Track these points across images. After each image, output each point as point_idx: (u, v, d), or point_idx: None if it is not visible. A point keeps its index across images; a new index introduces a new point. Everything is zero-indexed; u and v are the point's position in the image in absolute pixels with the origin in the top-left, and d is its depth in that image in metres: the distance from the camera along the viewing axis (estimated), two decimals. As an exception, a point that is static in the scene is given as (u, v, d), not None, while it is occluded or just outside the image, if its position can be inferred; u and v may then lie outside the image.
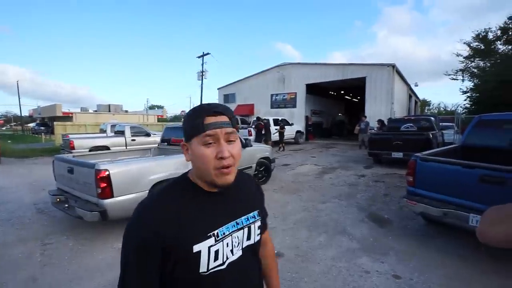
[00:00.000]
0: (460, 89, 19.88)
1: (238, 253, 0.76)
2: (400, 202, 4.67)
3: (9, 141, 19.15)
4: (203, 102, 0.76)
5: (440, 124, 9.76)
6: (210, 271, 0.69)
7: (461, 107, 18.60)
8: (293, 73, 19.71)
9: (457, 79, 19.73)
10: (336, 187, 5.95)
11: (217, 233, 0.71)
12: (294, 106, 19.77)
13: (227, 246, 0.73)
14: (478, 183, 2.64)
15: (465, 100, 20.12)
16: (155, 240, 0.64)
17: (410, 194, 3.31)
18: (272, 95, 21.03)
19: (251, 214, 0.82)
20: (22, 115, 40.83)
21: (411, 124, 8.52)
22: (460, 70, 19.17)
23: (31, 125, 40.19)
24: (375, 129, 11.82)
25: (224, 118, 0.70)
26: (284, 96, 20.37)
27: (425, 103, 48.27)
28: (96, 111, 35.46)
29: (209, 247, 0.69)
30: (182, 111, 43.23)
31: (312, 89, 19.87)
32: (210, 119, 0.68)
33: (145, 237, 0.64)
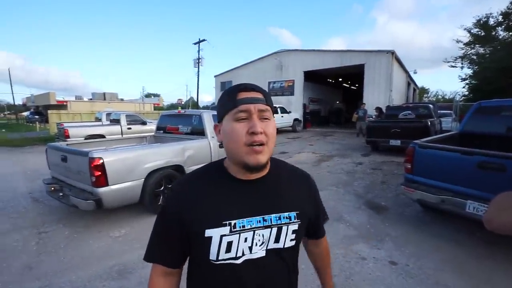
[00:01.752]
0: (459, 76, 19.87)
1: (260, 253, 0.69)
2: (397, 189, 4.69)
3: (3, 130, 18.89)
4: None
5: (438, 111, 9.72)
6: (220, 261, 0.67)
7: (459, 94, 18.57)
8: (291, 60, 19.40)
9: (456, 67, 19.61)
10: (333, 174, 5.96)
11: (235, 223, 0.67)
12: (292, 93, 19.59)
13: (245, 241, 0.67)
14: (477, 170, 2.62)
15: (463, 87, 20.15)
16: (176, 218, 0.69)
17: (408, 181, 3.30)
18: (269, 83, 20.77)
19: (286, 214, 0.72)
20: (16, 103, 40.15)
21: (410, 112, 8.48)
22: (460, 57, 19.00)
23: (25, 113, 39.59)
24: (373, 116, 11.78)
25: (258, 95, 0.67)
26: (281, 83, 20.13)
27: (424, 90, 48.08)
28: (91, 99, 34.92)
29: (221, 236, 0.66)
30: (179, 99, 42.75)
31: (310, 77, 19.63)
32: (243, 94, 0.66)
33: (168, 212, 0.72)
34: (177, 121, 5.18)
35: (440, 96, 46.71)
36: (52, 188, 3.74)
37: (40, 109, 34.84)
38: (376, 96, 15.57)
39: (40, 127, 21.91)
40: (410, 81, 23.53)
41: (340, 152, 8.76)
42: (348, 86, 28.44)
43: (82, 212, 3.59)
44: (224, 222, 0.66)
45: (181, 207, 0.69)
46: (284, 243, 0.72)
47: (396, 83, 16.48)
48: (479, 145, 3.38)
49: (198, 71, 23.33)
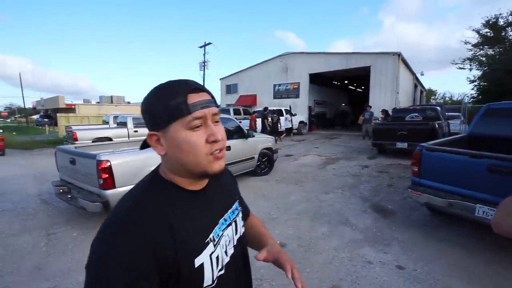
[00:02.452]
0: (468, 78, 19.49)
1: (230, 251, 0.68)
2: (404, 192, 4.63)
3: (13, 133, 19.30)
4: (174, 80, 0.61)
5: (446, 114, 9.59)
6: (215, 281, 0.61)
7: (467, 96, 18.28)
8: (296, 63, 19.41)
9: (465, 68, 19.32)
10: (339, 177, 5.91)
11: (212, 236, 0.62)
12: (297, 96, 19.57)
13: (222, 248, 0.65)
14: (486, 173, 2.57)
15: (472, 89, 19.78)
16: (151, 266, 0.50)
17: (415, 185, 3.26)
18: (274, 85, 20.81)
19: (234, 207, 0.74)
20: (26, 107, 41.05)
21: (417, 114, 8.38)
22: (468, 58, 18.73)
23: (35, 117, 40.40)
24: (379, 119, 11.68)
25: (208, 96, 0.59)
26: (287, 86, 20.14)
27: (431, 92, 47.47)
28: (98, 102, 35.45)
29: (210, 256, 0.60)
30: (185, 102, 42.93)
31: (316, 79, 19.60)
32: (194, 98, 0.56)
33: (138, 263, 0.49)
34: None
35: (447, 98, 46.08)
36: (61, 190, 3.80)
37: (49, 112, 35.51)
38: (383, 98, 15.45)
39: (49, 130, 22.32)
40: (417, 83, 23.29)
41: (345, 155, 8.70)
42: (353, 88, 28.29)
43: (89, 213, 3.63)
44: (206, 241, 0.60)
45: (154, 247, 0.51)
46: (241, 231, 0.75)
47: (402, 85, 16.34)
48: (489, 148, 3.32)
49: (204, 75, 23.50)
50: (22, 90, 36.27)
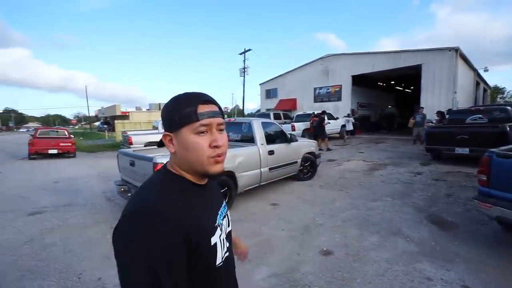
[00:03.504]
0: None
1: (228, 239, 0.80)
2: (467, 204, 4.15)
3: (81, 138, 22.13)
4: (193, 91, 0.72)
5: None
6: (223, 261, 0.71)
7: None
8: (338, 65, 18.80)
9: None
10: (388, 184, 5.54)
11: (218, 222, 0.73)
12: (339, 99, 18.90)
13: (224, 234, 0.76)
14: None
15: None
16: (183, 237, 0.59)
17: (483, 195, 2.90)
18: (315, 89, 20.40)
19: (224, 203, 0.85)
20: (90, 115, 46.75)
21: (480, 116, 7.43)
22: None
23: (97, 123, 45.77)
24: (434, 121, 10.65)
25: (215, 108, 0.69)
26: (328, 89, 19.59)
27: (498, 90, 41.56)
28: (148, 109, 38.72)
29: (219, 237, 0.71)
30: (225, 107, 44.58)
31: (359, 81, 18.71)
32: (203, 108, 0.66)
33: (172, 238, 0.57)
34: (228, 129, 5.43)
35: (520, 96, 39.85)
36: (122, 189, 4.24)
37: (108, 119, 39.86)
38: (436, 99, 14.08)
39: (108, 135, 25.05)
40: (479, 80, 20.72)
41: (394, 161, 8.10)
42: (401, 89, 26.29)
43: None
44: (216, 225, 0.71)
45: (182, 221, 0.60)
46: (231, 225, 0.86)
47: (461, 83, 14.69)
48: None
49: (244, 80, 24.13)
50: (87, 100, 41.53)
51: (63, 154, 11.35)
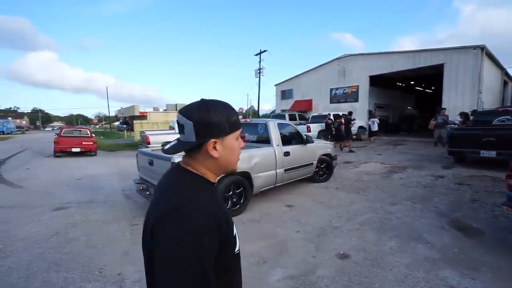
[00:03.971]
0: None
1: None
2: (494, 210, 3.93)
3: (101, 137, 23.00)
4: (225, 101, 0.81)
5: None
6: (239, 250, 0.80)
7: None
8: (355, 65, 18.41)
9: None
10: (407, 188, 5.36)
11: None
12: (356, 100, 18.49)
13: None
14: None
15: None
16: (219, 232, 0.67)
17: (512, 201, 2.74)
18: (331, 90, 20.08)
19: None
20: (110, 115, 48.54)
21: (508, 117, 7.03)
22: None
23: (116, 123, 47.43)
24: (457, 123, 10.18)
25: None
26: (344, 90, 19.23)
27: (527, 90, 39.05)
28: (165, 110, 39.65)
29: (235, 227, 0.80)
30: (240, 108, 44.87)
31: (376, 81, 18.22)
32: (239, 117, 0.79)
33: (214, 225, 0.66)
34: (244, 130, 5.46)
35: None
36: (141, 188, 4.37)
37: (127, 119, 41.19)
38: (460, 100, 13.46)
39: (127, 134, 25.87)
40: (507, 80, 19.60)
41: (414, 163, 7.82)
42: (421, 89, 25.35)
43: (163, 209, 4.07)
44: (232, 218, 0.80)
45: (218, 219, 0.68)
46: None
47: (487, 83, 13.96)
48: None
49: (259, 81, 24.21)
50: (108, 100, 43.16)
51: (85, 153, 11.85)
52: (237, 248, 0.78)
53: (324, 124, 12.85)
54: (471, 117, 9.16)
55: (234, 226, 0.79)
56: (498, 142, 6.21)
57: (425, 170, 6.92)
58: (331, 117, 12.67)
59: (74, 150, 11.44)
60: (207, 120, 0.70)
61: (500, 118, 7.19)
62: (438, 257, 2.77)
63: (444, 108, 11.30)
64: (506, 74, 18.86)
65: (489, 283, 2.32)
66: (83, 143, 11.75)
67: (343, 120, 11.43)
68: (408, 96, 23.99)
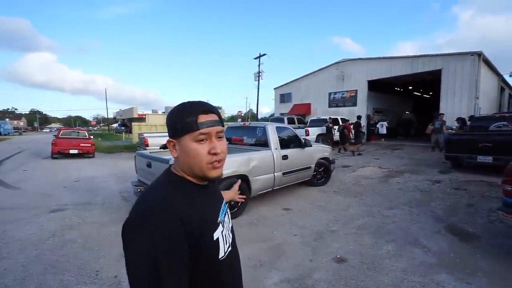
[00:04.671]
0: None
1: (230, 234, 0.85)
2: (490, 215, 3.96)
3: (99, 139, 22.94)
4: (197, 100, 0.77)
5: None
6: (225, 255, 0.76)
7: None
8: (354, 70, 18.53)
9: None
10: (404, 192, 5.38)
11: (220, 219, 0.78)
12: (355, 104, 18.58)
13: (227, 230, 0.81)
14: None
15: None
16: (184, 234, 0.62)
17: (508, 207, 2.77)
18: (330, 94, 20.18)
19: (224, 201, 0.89)
20: (108, 117, 48.48)
21: (505, 123, 7.10)
22: None
23: (114, 125, 47.40)
24: (454, 128, 10.26)
25: (215, 117, 0.74)
26: (343, 94, 19.33)
27: (523, 96, 39.36)
28: (164, 112, 39.67)
29: (221, 233, 0.76)
30: (239, 111, 44.99)
31: (375, 86, 18.33)
32: (203, 118, 0.71)
33: (176, 235, 0.61)
34: (242, 133, 5.49)
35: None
36: (138, 190, 4.36)
37: (126, 121, 41.16)
38: (457, 105, 13.57)
39: (125, 136, 25.83)
40: (504, 86, 19.79)
41: (411, 168, 7.86)
42: (419, 94, 25.53)
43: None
44: (218, 221, 0.76)
45: (185, 219, 0.64)
46: (231, 222, 0.90)
47: (484, 89, 14.09)
48: None
49: (258, 85, 24.27)
50: (106, 102, 43.13)
51: (83, 154, 11.81)
52: (221, 254, 0.74)
53: (323, 128, 12.95)
54: (468, 123, 9.24)
55: (221, 231, 0.75)
56: (495, 147, 6.26)
57: (422, 174, 6.96)
58: (331, 121, 12.79)
59: (72, 151, 11.39)
60: (167, 121, 0.75)
61: (496, 124, 7.26)
62: (434, 262, 2.79)
63: (442, 114, 11.39)
64: (503, 80, 19.05)
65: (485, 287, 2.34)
66: (81, 144, 11.71)
67: (349, 124, 11.64)
68: (406, 101, 24.15)
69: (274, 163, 4.65)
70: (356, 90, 18.46)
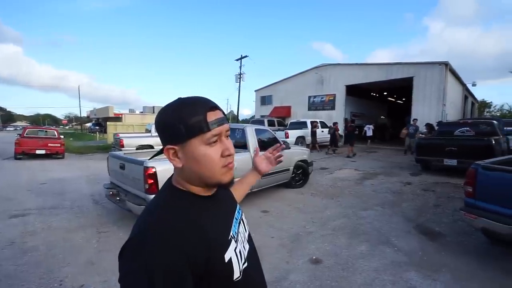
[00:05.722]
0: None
1: (247, 246, 0.75)
2: (454, 214, 4.22)
3: (71, 139, 21.70)
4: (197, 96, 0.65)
5: (505, 128, 8.59)
6: (241, 274, 0.65)
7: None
8: (333, 74, 19.09)
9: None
10: (378, 194, 5.59)
11: (232, 234, 0.68)
12: (333, 108, 19.12)
13: (241, 243, 0.71)
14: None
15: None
16: (186, 264, 0.54)
17: (469, 207, 2.95)
18: (309, 97, 20.61)
19: (238, 207, 0.81)
20: (81, 116, 46.08)
21: (468, 128, 7.63)
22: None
23: (88, 124, 45.10)
24: (423, 133, 10.88)
25: (221, 114, 0.64)
26: (322, 98, 19.82)
27: (485, 104, 42.68)
28: (142, 112, 38.39)
29: (235, 250, 0.66)
30: (220, 112, 44.50)
31: (353, 91, 19.01)
32: (212, 116, 0.60)
33: (176, 263, 0.53)
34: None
35: (506, 111, 41.01)
36: (111, 193, 4.16)
37: (100, 121, 39.31)
38: (427, 111, 14.40)
39: (99, 136, 24.66)
40: (467, 94, 21.34)
41: (385, 170, 8.21)
42: (393, 100, 26.83)
43: (135, 216, 3.90)
44: (229, 238, 0.66)
45: (189, 249, 0.56)
46: (248, 228, 0.82)
47: (450, 97, 15.09)
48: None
49: (239, 86, 24.25)
50: (79, 100, 40.83)
51: (51, 155, 11.09)
52: (236, 275, 0.64)
53: (304, 130, 13.40)
54: (436, 128, 9.83)
55: (234, 248, 0.66)
56: (459, 151, 6.72)
57: (395, 177, 7.28)
58: (318, 123, 13.80)
59: (38, 152, 10.65)
60: (161, 123, 0.62)
61: (460, 129, 7.77)
62: (404, 260, 2.91)
63: (416, 119, 12.04)
64: (467, 89, 20.54)
65: (448, 283, 2.47)
66: (49, 144, 10.99)
67: (338, 126, 12.41)
68: (381, 106, 25.26)
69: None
70: (335, 94, 19.01)
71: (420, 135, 10.64)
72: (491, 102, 44.89)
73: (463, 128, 7.74)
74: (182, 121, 0.58)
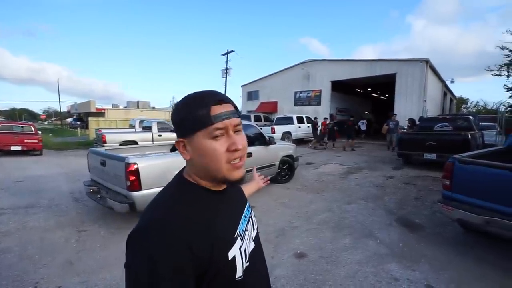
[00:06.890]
0: (505, 85, 18.19)
1: (251, 245, 0.73)
2: (433, 206, 4.38)
3: (50, 135, 20.77)
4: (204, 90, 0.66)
5: (480, 123, 9.00)
6: (244, 274, 0.65)
7: (504, 105, 16.96)
8: (318, 70, 19.26)
9: (501, 75, 18.05)
10: (362, 188, 5.72)
11: (239, 231, 0.68)
12: (319, 103, 19.35)
13: (247, 242, 0.71)
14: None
15: (509, 97, 18.40)
16: (190, 258, 0.55)
17: (446, 199, 3.07)
18: (296, 93, 20.74)
19: (248, 204, 0.81)
20: (61, 110, 44.16)
21: (446, 124, 7.93)
22: (506, 64, 17.53)
23: (69, 120, 43.33)
24: (405, 128, 11.22)
25: (230, 107, 0.64)
26: (308, 93, 19.99)
27: (462, 101, 44.65)
28: (126, 107, 37.29)
29: (239, 249, 0.65)
30: (206, 108, 43.96)
31: (338, 87, 19.30)
32: (217, 109, 0.61)
33: (180, 256, 0.54)
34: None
35: (481, 107, 43.05)
36: (91, 190, 4.01)
37: (82, 116, 37.85)
38: (409, 107, 14.85)
39: (81, 132, 23.77)
40: (446, 91, 22.15)
41: (369, 165, 8.41)
42: (377, 96, 27.47)
43: (116, 214, 3.79)
44: (235, 236, 0.66)
45: (193, 243, 0.56)
46: (256, 227, 0.81)
47: (430, 93, 15.62)
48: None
49: (226, 81, 23.99)
50: (59, 95, 39.01)
51: (28, 152, 10.58)
52: (239, 274, 0.63)
53: (291, 126, 13.61)
54: (417, 123, 10.16)
55: (239, 246, 0.65)
56: (438, 146, 6.98)
57: (378, 171, 7.47)
58: (318, 120, 14.24)
59: (13, 148, 10.12)
60: (173, 118, 0.65)
61: (440, 124, 8.07)
62: (386, 252, 2.99)
63: (395, 114, 12.36)
64: (446, 86, 21.31)
65: (427, 273, 2.56)
66: (25, 140, 10.46)
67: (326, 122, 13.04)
68: (365, 102, 25.85)
69: (238, 160, 4.61)
70: (321, 90, 19.22)
71: (402, 130, 10.96)
72: (468, 98, 46.99)
73: (442, 124, 8.04)
74: (188, 115, 0.61)
